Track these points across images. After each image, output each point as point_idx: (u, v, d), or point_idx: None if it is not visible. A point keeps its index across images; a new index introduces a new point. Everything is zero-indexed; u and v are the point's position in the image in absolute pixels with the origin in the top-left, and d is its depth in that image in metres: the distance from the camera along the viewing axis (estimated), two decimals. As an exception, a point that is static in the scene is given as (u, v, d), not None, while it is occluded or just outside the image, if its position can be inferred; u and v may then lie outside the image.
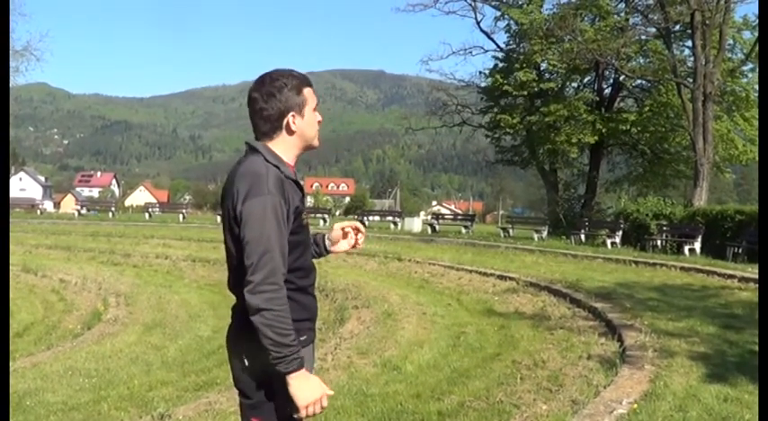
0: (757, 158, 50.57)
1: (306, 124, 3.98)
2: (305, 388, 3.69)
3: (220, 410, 9.11)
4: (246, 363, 3.90)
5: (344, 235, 4.48)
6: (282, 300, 3.64)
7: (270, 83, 3.95)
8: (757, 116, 48.42)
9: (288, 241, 3.77)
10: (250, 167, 3.86)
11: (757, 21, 44.49)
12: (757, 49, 42.60)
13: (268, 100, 3.92)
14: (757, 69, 47.43)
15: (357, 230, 4.51)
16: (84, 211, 62.79)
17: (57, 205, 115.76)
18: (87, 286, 26.74)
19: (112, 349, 16.02)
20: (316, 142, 4.08)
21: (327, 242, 4.48)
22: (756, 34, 43.32)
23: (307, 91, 3.97)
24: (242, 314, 3.78)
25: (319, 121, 4.08)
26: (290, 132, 3.98)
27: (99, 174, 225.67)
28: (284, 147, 3.99)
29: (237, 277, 3.83)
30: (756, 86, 47.94)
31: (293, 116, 3.94)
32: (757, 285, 19.21)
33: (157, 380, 12.66)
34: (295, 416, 3.77)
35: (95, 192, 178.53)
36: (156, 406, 10.21)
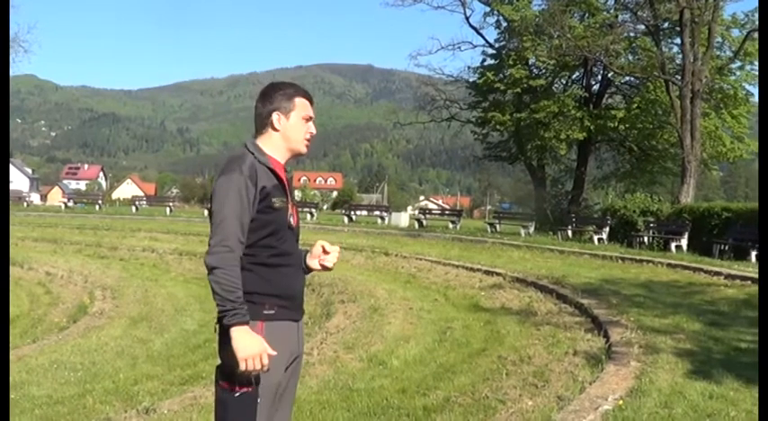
0: (745, 156, 50.96)
1: (291, 127, 4.46)
2: (244, 341, 4.02)
3: (206, 404, 9.08)
4: (215, 329, 4.32)
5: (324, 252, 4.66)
6: (232, 261, 4.08)
7: (269, 88, 4.55)
8: (745, 114, 48.74)
9: (255, 219, 4.22)
10: (231, 155, 4.45)
11: (746, 19, 44.75)
12: (746, 47, 42.77)
13: (263, 102, 4.50)
14: (746, 67, 47.78)
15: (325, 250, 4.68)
16: (70, 204, 62.58)
17: (43, 197, 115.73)
18: (73, 279, 26.67)
19: (98, 342, 15.97)
20: (301, 148, 4.54)
21: (308, 257, 4.65)
22: (745, 32, 43.47)
23: (299, 100, 4.48)
24: None
25: (311, 133, 4.51)
26: (275, 130, 4.47)
27: (86, 166, 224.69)
28: (270, 144, 4.47)
29: None
30: (744, 84, 48.16)
31: (278, 115, 4.44)
32: (743, 282, 19.33)
33: (143, 373, 12.64)
34: (237, 371, 4.06)
35: (82, 185, 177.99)
36: (142, 400, 10.20)
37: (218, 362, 4.35)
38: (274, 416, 4.35)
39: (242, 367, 4.03)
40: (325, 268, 4.62)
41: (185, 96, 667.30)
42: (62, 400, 10.90)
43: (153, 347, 15.56)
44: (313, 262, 4.63)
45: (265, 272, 4.24)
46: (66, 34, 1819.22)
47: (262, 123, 4.48)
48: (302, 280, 4.54)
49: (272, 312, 4.24)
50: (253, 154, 4.33)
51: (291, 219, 4.40)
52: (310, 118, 4.51)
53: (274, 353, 4.11)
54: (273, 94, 4.46)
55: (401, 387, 10.14)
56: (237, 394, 4.12)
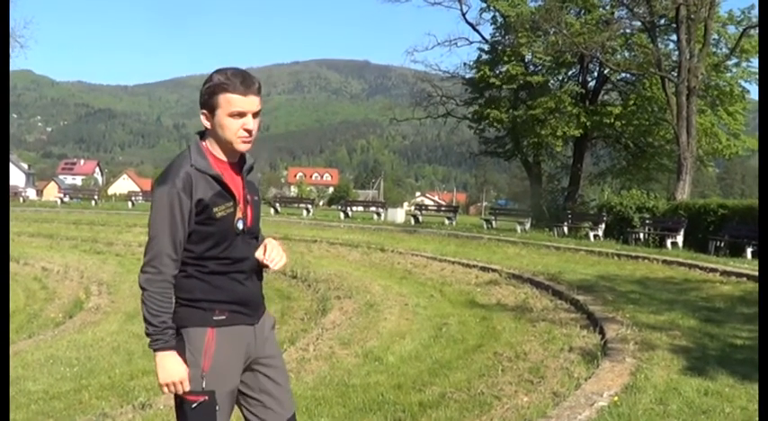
0: (741, 153, 51.01)
1: (218, 126, 4.08)
2: (163, 367, 4.00)
3: (201, 400, 9.10)
4: None
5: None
6: (160, 283, 3.97)
7: (205, 81, 4.13)
8: (741, 111, 48.75)
9: (194, 231, 4.04)
10: (174, 158, 4.19)
11: (742, 16, 44.76)
12: (743, 44, 42.77)
13: (200, 95, 4.15)
14: (742, 64, 47.78)
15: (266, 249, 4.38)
16: (66, 199, 62.62)
17: (39, 193, 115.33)
18: (69, 274, 26.72)
19: (94, 338, 16.01)
20: (237, 147, 4.14)
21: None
22: (741, 29, 43.46)
23: (223, 97, 4.03)
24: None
25: (247, 130, 4.10)
26: (206, 129, 4.17)
27: (82, 161, 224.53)
28: (210, 142, 4.19)
29: None
30: (740, 81, 48.18)
31: (204, 115, 4.12)
32: (739, 279, 19.37)
33: (139, 369, 12.63)
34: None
35: (78, 180, 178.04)
36: (138, 395, 10.21)
37: None
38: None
39: (163, 391, 4.08)
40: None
41: (182, 92, 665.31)
42: (58, 395, 10.93)
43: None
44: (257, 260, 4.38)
45: (213, 279, 4.11)
46: (63, 30, 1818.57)
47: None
48: (257, 283, 4.36)
49: (223, 318, 4.11)
50: (192, 159, 4.08)
51: (240, 224, 4.16)
52: (242, 113, 4.06)
53: (187, 388, 4.04)
54: (203, 88, 4.12)
55: (397, 382, 10.15)
56: (194, 405, 4.06)
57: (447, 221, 45.71)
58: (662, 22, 44.61)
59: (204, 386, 4.02)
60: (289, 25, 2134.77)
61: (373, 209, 54.63)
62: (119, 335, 16.33)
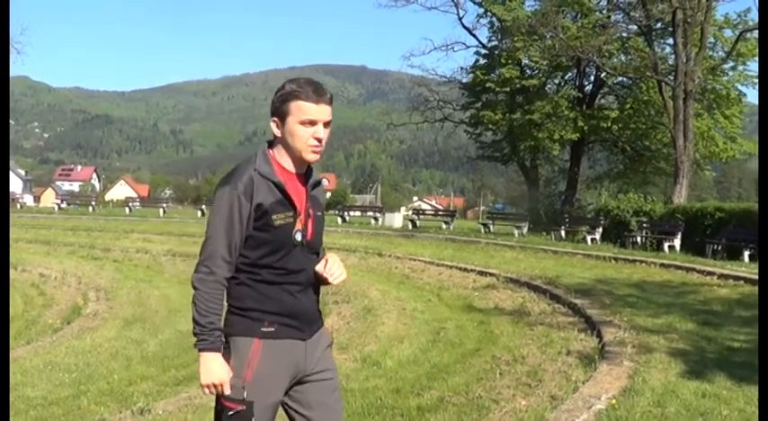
0: (737, 156, 51.07)
1: (288, 134, 4.07)
2: (206, 368, 3.97)
3: (200, 405, 9.11)
4: None
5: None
6: (211, 284, 3.98)
7: (278, 89, 4.14)
8: (738, 114, 48.83)
9: (251, 236, 4.02)
10: (239, 163, 4.17)
11: (739, 19, 44.81)
12: (739, 48, 42.82)
13: (271, 103, 4.15)
14: (739, 67, 47.85)
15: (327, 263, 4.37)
16: (64, 205, 62.44)
17: (37, 199, 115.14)
18: (67, 280, 26.67)
19: (92, 344, 16.01)
20: (306, 156, 4.12)
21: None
22: (737, 33, 43.53)
23: (295, 104, 4.03)
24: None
25: (318, 138, 4.09)
26: (276, 137, 4.15)
27: (79, 168, 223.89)
28: (279, 151, 4.17)
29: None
30: (737, 84, 48.25)
31: (275, 122, 4.11)
32: (736, 282, 19.39)
33: (137, 374, 12.66)
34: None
35: (76, 186, 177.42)
36: (136, 400, 10.21)
37: None
38: None
39: (204, 391, 4.04)
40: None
41: (178, 97, 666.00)
42: (57, 402, 10.94)
43: (147, 348, 15.59)
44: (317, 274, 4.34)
45: (265, 289, 4.07)
46: (60, 36, 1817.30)
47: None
48: (312, 298, 4.32)
49: (272, 330, 4.05)
50: (256, 163, 4.07)
51: (299, 236, 4.12)
52: (313, 121, 4.06)
53: (228, 391, 3.99)
54: (274, 96, 4.12)
55: (395, 387, 10.16)
56: (231, 412, 3.99)
57: (444, 226, 45.83)
58: (658, 25, 44.71)
59: (245, 396, 3.98)
60: (285, 30, 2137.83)
61: (371, 213, 54.81)
62: (117, 341, 16.34)
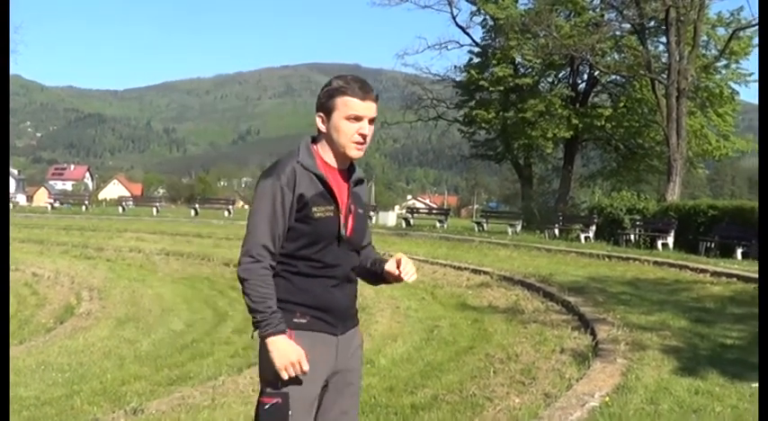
0: (730, 154, 51.18)
1: (333, 129, 4.12)
2: (277, 351, 3.90)
3: (193, 404, 9.11)
4: (252, 336, 4.13)
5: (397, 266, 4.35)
6: (259, 271, 3.95)
7: (324, 85, 4.23)
8: (731, 112, 48.98)
9: (292, 228, 4.04)
10: (282, 156, 4.23)
11: (732, 17, 44.92)
12: (732, 46, 42.90)
13: (316, 100, 4.22)
14: (731, 65, 47.90)
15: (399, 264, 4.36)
16: (57, 205, 62.39)
17: (29, 198, 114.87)
18: (60, 280, 26.62)
19: (85, 343, 15.97)
20: (349, 152, 4.16)
21: (383, 267, 4.40)
22: (730, 31, 43.58)
23: (342, 99, 4.09)
24: None
25: (362, 134, 4.12)
26: (321, 132, 4.19)
27: (72, 167, 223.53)
28: (323, 146, 4.21)
29: None
30: (730, 82, 48.35)
31: (320, 117, 4.17)
32: (729, 279, 19.44)
33: (130, 374, 12.63)
34: (271, 380, 3.97)
35: (69, 186, 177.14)
36: (129, 400, 10.20)
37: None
38: None
39: (282, 376, 3.92)
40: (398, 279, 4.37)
41: (171, 96, 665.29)
42: (50, 401, 10.90)
43: (140, 348, 15.56)
44: (388, 273, 4.38)
45: (300, 281, 4.07)
46: (53, 34, 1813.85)
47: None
48: (348, 293, 4.29)
49: (304, 321, 4.04)
50: (299, 156, 4.12)
51: (342, 230, 4.13)
52: (359, 117, 4.11)
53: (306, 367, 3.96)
54: (321, 92, 4.21)
55: (389, 385, 10.15)
56: (267, 406, 3.95)
57: (438, 224, 45.88)
58: (651, 24, 44.74)
59: (279, 387, 3.96)
60: (279, 29, 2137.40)
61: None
62: (110, 341, 16.31)
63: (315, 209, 4.03)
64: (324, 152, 4.18)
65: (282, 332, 3.91)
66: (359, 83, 4.12)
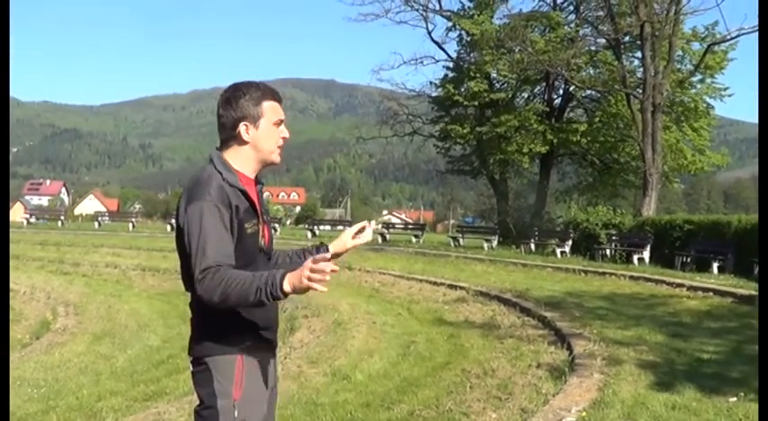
0: (706, 169, 51.41)
1: (261, 136, 3.96)
2: (294, 278, 3.53)
3: (169, 420, 9.08)
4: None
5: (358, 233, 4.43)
6: (221, 274, 3.55)
7: (231, 92, 3.99)
8: (706, 126, 49.26)
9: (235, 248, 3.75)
10: (195, 176, 3.92)
11: (706, 32, 45.16)
12: (707, 60, 43.16)
13: (225, 108, 3.98)
14: (706, 80, 48.16)
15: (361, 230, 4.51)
16: (33, 220, 62.02)
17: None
18: (36, 295, 26.54)
19: (61, 359, 15.93)
20: (274, 158, 4.04)
21: (324, 248, 4.43)
22: (705, 46, 43.80)
23: (267, 105, 3.96)
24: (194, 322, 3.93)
25: (284, 138, 4.04)
26: (243, 142, 3.97)
27: (48, 182, 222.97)
28: (238, 158, 3.98)
29: (189, 284, 3.76)
30: (705, 97, 48.60)
31: (246, 126, 3.93)
32: (705, 294, 19.52)
33: (106, 390, 12.58)
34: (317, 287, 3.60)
35: (45, 201, 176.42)
36: (105, 416, 10.18)
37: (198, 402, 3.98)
38: None
39: (316, 288, 3.58)
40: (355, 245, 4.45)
41: (147, 112, 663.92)
42: (25, 417, 10.86)
43: (116, 363, 15.51)
44: (340, 243, 4.48)
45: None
46: (28, 49, 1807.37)
47: (228, 135, 3.98)
48: (276, 306, 4.07)
49: (250, 344, 3.88)
50: (220, 173, 3.84)
51: (263, 242, 3.98)
52: (281, 121, 4.01)
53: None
54: (238, 99, 3.93)
55: (365, 401, 10.14)
56: None
57: (414, 239, 45.82)
58: (626, 39, 44.97)
59: (236, 415, 3.79)
60: (254, 44, 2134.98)
61: (340, 227, 54.59)
62: (86, 356, 16.26)
63: (246, 225, 3.86)
64: (241, 164, 3.98)
65: (283, 276, 3.53)
66: (267, 86, 4.03)
